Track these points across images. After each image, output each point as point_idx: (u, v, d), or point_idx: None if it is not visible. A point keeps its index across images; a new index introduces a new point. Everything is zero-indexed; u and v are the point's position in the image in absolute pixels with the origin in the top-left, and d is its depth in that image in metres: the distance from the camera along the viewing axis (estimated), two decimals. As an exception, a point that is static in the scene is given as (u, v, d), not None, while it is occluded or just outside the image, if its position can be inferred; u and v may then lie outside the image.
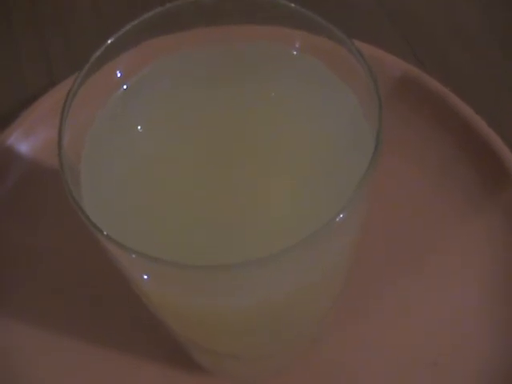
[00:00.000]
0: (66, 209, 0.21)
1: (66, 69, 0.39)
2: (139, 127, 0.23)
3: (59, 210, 0.29)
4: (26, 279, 0.33)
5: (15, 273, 0.33)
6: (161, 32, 0.23)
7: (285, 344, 0.28)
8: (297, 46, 0.24)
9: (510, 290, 0.32)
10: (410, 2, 0.44)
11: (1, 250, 0.34)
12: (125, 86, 0.24)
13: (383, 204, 0.32)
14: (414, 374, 0.30)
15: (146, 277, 0.21)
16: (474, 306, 0.32)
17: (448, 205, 0.34)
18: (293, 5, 0.22)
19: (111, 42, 0.22)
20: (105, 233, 0.19)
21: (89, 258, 0.29)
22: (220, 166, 0.22)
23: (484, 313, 0.32)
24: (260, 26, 0.24)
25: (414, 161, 0.35)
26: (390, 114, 0.35)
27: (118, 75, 0.23)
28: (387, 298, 0.32)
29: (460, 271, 0.33)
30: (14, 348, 0.31)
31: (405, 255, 0.33)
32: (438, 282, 0.33)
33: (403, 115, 0.36)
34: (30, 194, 0.35)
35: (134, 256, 0.19)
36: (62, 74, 0.39)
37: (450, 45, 0.42)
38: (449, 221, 0.34)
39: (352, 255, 0.24)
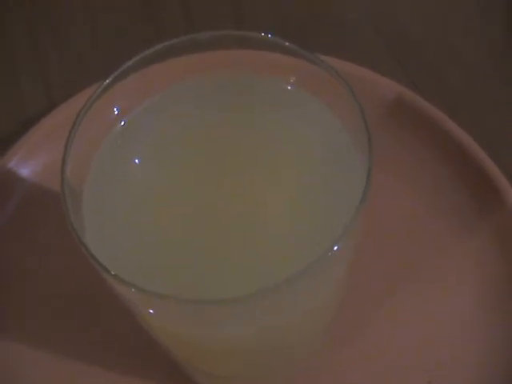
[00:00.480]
0: (66, 232, 0.22)
1: (64, 92, 0.40)
2: (138, 160, 0.24)
3: (60, 233, 0.29)
4: (26, 302, 0.33)
5: (15, 295, 0.33)
6: (157, 66, 0.24)
7: (283, 366, 0.29)
8: (291, 80, 0.24)
9: (504, 307, 0.33)
10: (405, 24, 0.44)
11: (1, 273, 0.34)
12: (122, 122, 0.24)
13: (377, 225, 0.32)
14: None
15: (148, 310, 0.22)
16: (469, 325, 0.32)
17: (442, 225, 0.35)
18: (287, 43, 0.23)
19: (108, 83, 0.22)
20: (112, 273, 0.20)
21: (89, 281, 0.30)
22: (218, 197, 0.23)
23: (479, 332, 0.32)
24: (255, 54, 0.25)
25: (408, 181, 0.36)
26: (385, 134, 0.36)
27: (115, 112, 0.24)
28: (382, 319, 0.32)
29: (454, 290, 0.33)
30: (12, 371, 0.31)
31: (399, 276, 0.33)
32: (433, 302, 0.33)
33: (398, 136, 0.36)
34: (31, 218, 0.35)
35: (133, 290, 0.19)
36: (60, 97, 0.40)
37: (445, 67, 0.42)
38: (443, 241, 0.34)
39: (346, 280, 0.25)
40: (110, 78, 0.22)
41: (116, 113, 0.24)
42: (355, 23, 0.44)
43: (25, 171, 0.36)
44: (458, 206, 0.35)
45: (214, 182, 0.23)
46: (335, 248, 0.20)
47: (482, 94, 0.41)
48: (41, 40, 0.44)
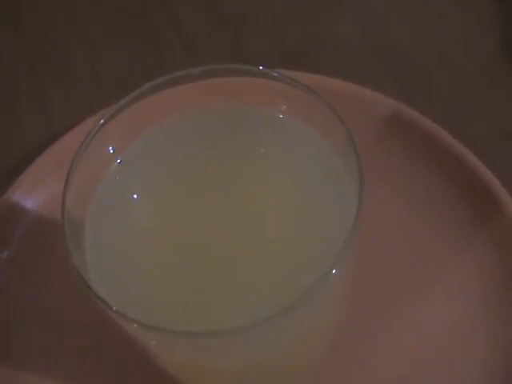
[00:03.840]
0: (69, 265, 0.22)
1: (65, 124, 0.40)
2: (136, 196, 0.25)
3: (63, 265, 0.30)
4: (29, 331, 0.34)
5: (18, 328, 0.34)
6: (149, 101, 0.25)
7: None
8: (282, 108, 0.25)
9: (505, 313, 0.33)
10: (395, 38, 0.45)
11: (5, 306, 0.34)
12: (118, 160, 0.25)
13: (374, 238, 0.32)
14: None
15: (148, 341, 0.22)
16: (471, 334, 0.33)
17: (440, 236, 0.35)
18: (275, 74, 0.23)
19: (103, 123, 0.23)
20: (114, 308, 0.20)
21: (91, 312, 0.30)
22: (215, 230, 0.24)
23: (481, 339, 0.32)
24: (247, 82, 0.25)
25: (403, 194, 0.36)
26: (380, 150, 0.36)
27: (111, 151, 0.24)
28: (377, 332, 0.32)
29: (455, 300, 0.33)
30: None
31: (398, 288, 0.34)
32: (433, 314, 0.33)
33: (393, 151, 0.37)
34: (35, 250, 0.36)
35: (135, 325, 0.20)
36: (61, 129, 0.40)
37: (438, 77, 0.42)
38: (441, 251, 0.35)
39: (343, 307, 0.25)
40: (104, 119, 0.23)
41: (111, 152, 0.24)
42: (347, 40, 0.45)
43: (28, 204, 0.37)
44: (454, 215, 0.35)
45: (211, 215, 0.24)
46: (330, 274, 0.20)
47: (472, 99, 0.41)
48: (41, 74, 0.45)
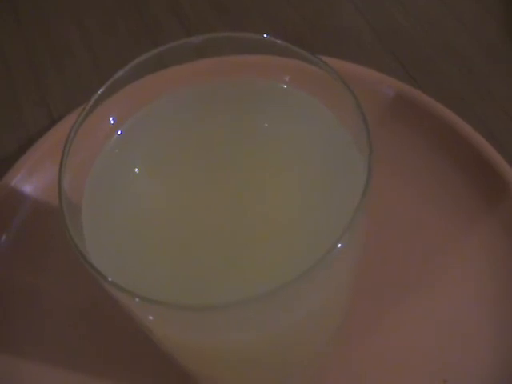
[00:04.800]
0: (70, 249, 0.21)
1: (65, 109, 0.40)
2: (136, 169, 0.24)
3: (64, 250, 0.29)
4: (30, 318, 0.33)
5: (19, 312, 0.33)
6: (151, 73, 0.24)
7: (290, 374, 0.28)
8: (286, 79, 0.24)
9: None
10: (399, 21, 0.44)
11: (5, 290, 0.34)
12: (119, 132, 0.24)
13: (381, 222, 0.32)
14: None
15: (149, 318, 0.21)
16: (482, 322, 0.32)
17: (446, 219, 0.34)
18: (279, 41, 0.22)
19: (103, 90, 0.22)
20: (109, 279, 0.19)
21: (93, 296, 0.29)
22: (217, 203, 0.23)
23: (492, 328, 0.32)
24: (250, 58, 0.24)
25: (410, 177, 0.36)
26: (386, 132, 0.36)
27: (111, 122, 0.24)
28: (389, 318, 0.32)
29: (464, 286, 0.33)
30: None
31: (404, 273, 0.33)
32: (440, 298, 0.33)
33: (399, 133, 0.36)
34: (35, 235, 0.35)
35: (137, 300, 0.19)
36: (60, 114, 0.40)
37: (442, 60, 0.42)
38: (448, 235, 0.34)
39: (351, 285, 0.24)
40: (103, 88, 0.22)
41: (112, 122, 0.24)
42: (350, 23, 0.44)
43: (27, 189, 0.36)
44: (462, 198, 0.35)
45: (214, 188, 0.23)
46: (339, 245, 0.20)
47: (481, 86, 0.40)
48: (40, 60, 0.44)
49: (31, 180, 0.36)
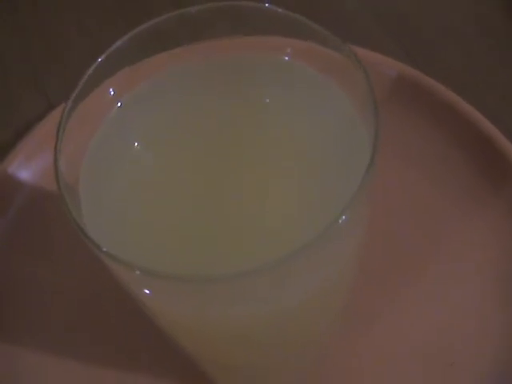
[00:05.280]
0: (69, 233, 0.21)
1: (63, 95, 0.39)
2: (136, 144, 0.23)
3: (62, 235, 0.29)
4: (29, 305, 0.33)
5: (18, 300, 0.33)
6: (150, 48, 0.23)
7: (294, 356, 0.28)
8: (288, 51, 0.24)
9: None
10: (399, 3, 0.44)
11: (3, 276, 0.33)
12: (119, 104, 0.24)
13: (384, 205, 0.31)
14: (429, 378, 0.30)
15: (148, 292, 0.21)
16: (488, 306, 0.31)
17: (451, 203, 0.34)
18: (280, 10, 0.22)
19: (101, 61, 0.21)
20: (104, 249, 0.19)
21: (93, 281, 0.29)
22: (218, 177, 0.22)
23: (498, 313, 0.31)
24: (250, 36, 0.24)
25: (413, 160, 0.35)
26: (388, 114, 0.35)
27: (112, 93, 0.23)
28: (394, 304, 0.31)
29: (471, 270, 0.32)
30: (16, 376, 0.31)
31: (409, 258, 0.33)
32: (446, 283, 0.32)
33: (401, 115, 0.36)
34: (33, 221, 0.35)
35: (138, 272, 0.19)
36: (58, 100, 0.39)
37: (442, 42, 0.42)
38: (453, 219, 0.34)
39: (355, 264, 0.24)
40: (100, 59, 0.21)
41: (112, 94, 0.23)
42: (349, 5, 0.44)
43: (25, 175, 0.36)
44: (466, 181, 0.34)
45: (214, 161, 0.23)
46: (344, 217, 0.19)
47: (482, 71, 0.40)
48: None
49: (29, 166, 0.36)
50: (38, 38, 0.45)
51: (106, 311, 0.32)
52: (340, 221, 0.19)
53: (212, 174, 0.22)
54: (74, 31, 0.45)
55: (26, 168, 0.36)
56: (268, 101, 0.24)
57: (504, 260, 0.32)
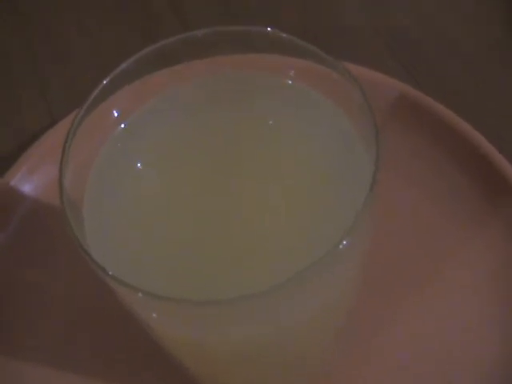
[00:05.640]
0: (70, 248, 0.21)
1: (66, 108, 0.40)
2: (139, 165, 0.24)
3: (64, 249, 0.29)
4: (30, 316, 0.33)
5: (19, 311, 0.33)
6: (154, 69, 0.24)
7: (295, 373, 0.28)
8: (291, 74, 0.24)
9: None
10: (402, 22, 0.44)
11: (5, 289, 0.33)
12: (122, 125, 0.24)
13: (385, 224, 0.31)
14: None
15: (151, 313, 0.21)
16: (486, 323, 0.32)
17: (450, 220, 0.34)
18: (284, 35, 0.22)
19: (107, 83, 0.22)
20: (110, 273, 0.19)
21: (94, 294, 0.29)
22: (221, 196, 0.23)
23: (496, 330, 0.31)
24: (255, 56, 0.24)
25: (413, 179, 0.35)
26: (388, 133, 0.35)
27: (115, 115, 0.23)
28: (394, 319, 0.32)
29: (467, 286, 0.33)
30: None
31: (408, 275, 0.33)
32: (446, 297, 0.32)
33: (400, 135, 0.36)
34: (35, 234, 0.35)
35: (140, 295, 0.19)
36: (61, 113, 0.40)
37: (446, 63, 0.42)
38: (452, 236, 0.34)
39: (356, 285, 0.24)
40: (105, 81, 0.22)
41: (116, 115, 0.23)
42: (354, 25, 0.44)
43: (27, 188, 0.36)
44: (467, 201, 0.34)
45: (217, 183, 0.23)
46: (345, 242, 0.19)
47: (484, 88, 0.40)
48: (41, 58, 0.44)
49: (31, 179, 0.36)
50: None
51: (108, 326, 0.32)
52: (340, 246, 0.19)
53: (215, 194, 0.23)
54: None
55: (29, 181, 0.36)
56: (271, 122, 0.24)
57: (502, 275, 0.33)
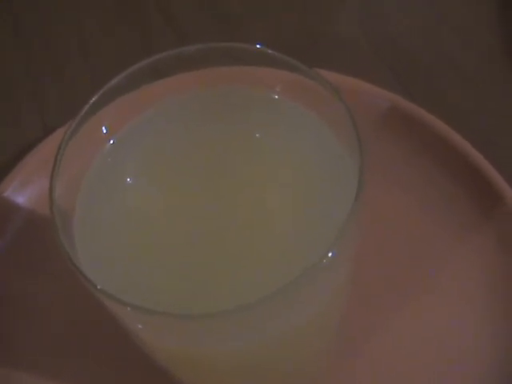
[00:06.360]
0: (63, 259, 0.21)
1: (60, 119, 0.40)
2: (129, 178, 0.24)
3: (57, 259, 0.29)
4: (23, 327, 0.33)
5: (13, 323, 0.33)
6: (146, 83, 0.24)
7: (289, 380, 0.28)
8: (277, 89, 0.24)
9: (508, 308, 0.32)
10: (394, 32, 0.44)
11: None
12: (111, 141, 0.24)
13: (374, 232, 0.32)
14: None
15: (141, 327, 0.21)
16: (477, 330, 0.32)
17: (441, 229, 0.35)
18: (269, 51, 0.22)
19: (97, 98, 0.22)
20: (98, 287, 0.19)
21: (87, 306, 0.29)
22: (209, 209, 0.23)
23: (487, 338, 0.32)
24: (243, 68, 0.25)
25: (404, 189, 0.36)
26: (380, 144, 0.36)
27: (106, 128, 0.24)
28: (384, 328, 0.32)
29: (456, 293, 0.33)
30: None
31: (398, 283, 0.33)
32: (438, 303, 0.33)
33: (392, 145, 0.36)
34: (28, 245, 0.35)
35: (129, 309, 0.19)
36: (55, 124, 0.40)
37: (439, 74, 0.42)
38: (442, 245, 0.34)
39: (346, 293, 0.24)
40: (96, 97, 0.22)
41: (104, 132, 0.24)
42: (346, 35, 0.44)
43: (21, 199, 0.36)
44: (455, 209, 0.35)
45: (206, 197, 0.23)
46: (330, 254, 0.20)
47: (471, 95, 0.41)
48: (38, 73, 0.44)
49: (24, 191, 0.36)
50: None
51: (101, 337, 0.32)
52: (329, 255, 0.19)
53: (204, 206, 0.23)
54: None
55: (21, 193, 0.36)
56: (257, 134, 0.25)
57: (492, 282, 0.33)
